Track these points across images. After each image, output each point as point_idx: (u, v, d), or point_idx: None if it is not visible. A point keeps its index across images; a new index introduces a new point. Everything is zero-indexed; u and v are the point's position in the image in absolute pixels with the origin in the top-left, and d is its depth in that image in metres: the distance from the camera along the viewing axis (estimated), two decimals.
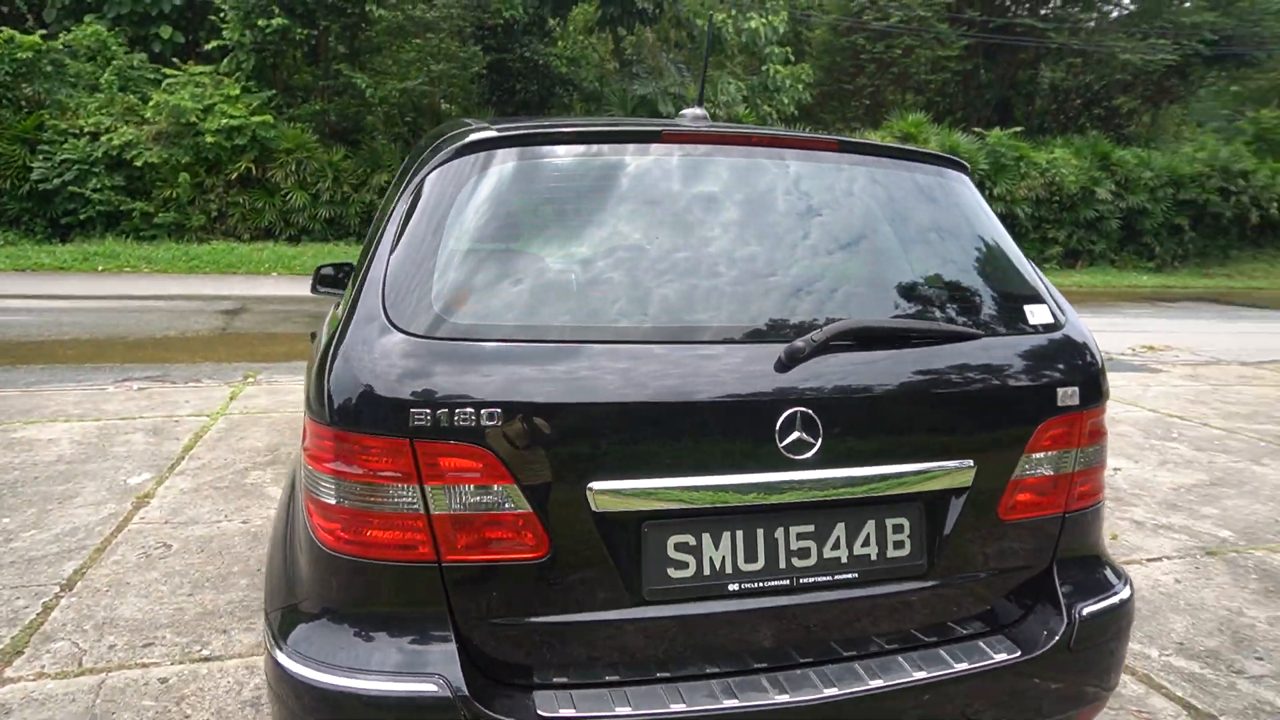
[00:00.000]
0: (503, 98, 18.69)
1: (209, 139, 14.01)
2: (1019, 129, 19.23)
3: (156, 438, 5.13)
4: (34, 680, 2.56)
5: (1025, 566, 1.73)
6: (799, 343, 1.51)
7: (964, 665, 1.59)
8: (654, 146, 1.68)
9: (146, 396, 6.17)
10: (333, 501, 1.44)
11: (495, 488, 1.40)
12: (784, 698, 1.48)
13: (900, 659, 1.60)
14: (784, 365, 1.51)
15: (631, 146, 1.68)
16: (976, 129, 19.12)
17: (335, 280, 3.77)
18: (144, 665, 2.67)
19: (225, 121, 14.13)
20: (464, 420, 1.39)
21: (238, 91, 14.57)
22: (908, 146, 1.94)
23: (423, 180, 1.63)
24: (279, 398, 6.27)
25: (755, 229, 1.67)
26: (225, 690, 2.54)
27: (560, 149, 1.65)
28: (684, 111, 2.04)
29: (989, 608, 1.72)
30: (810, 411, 1.51)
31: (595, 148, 1.67)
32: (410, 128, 16.35)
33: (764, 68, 18.87)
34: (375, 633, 1.42)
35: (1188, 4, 23.58)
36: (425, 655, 1.40)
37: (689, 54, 18.50)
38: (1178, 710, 2.58)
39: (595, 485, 1.43)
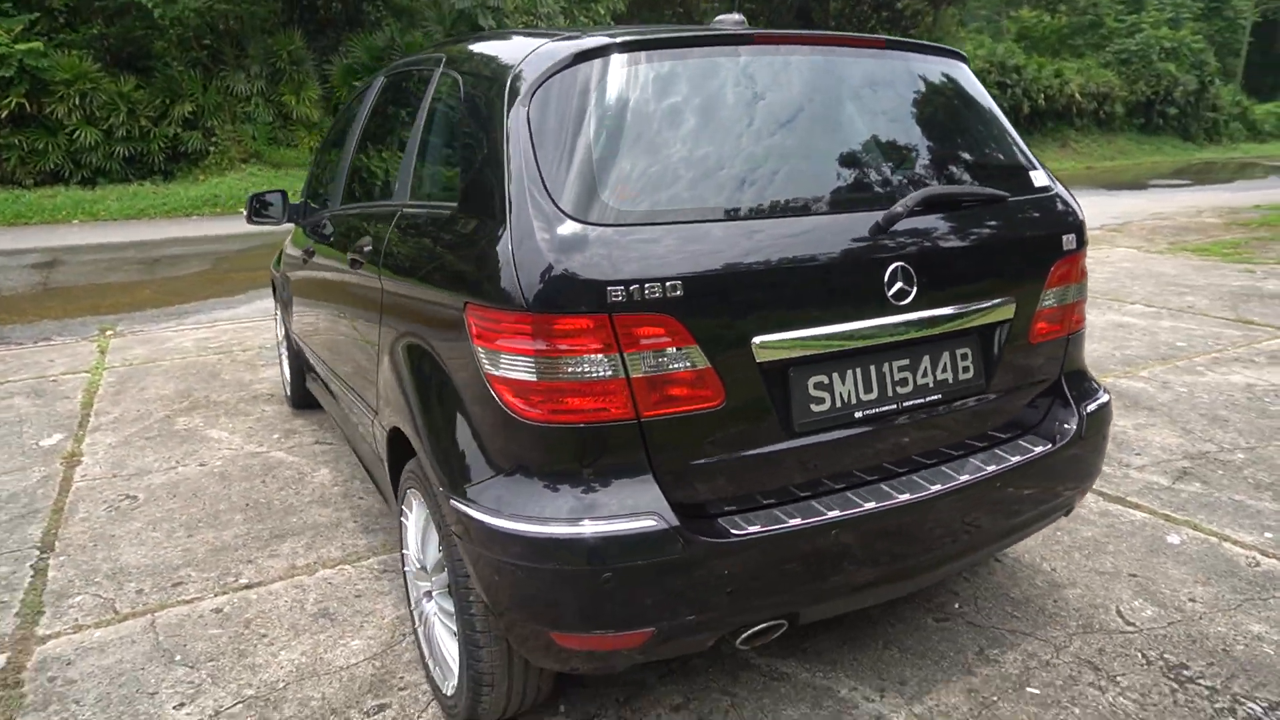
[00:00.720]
0: (305, 15, 17.33)
1: None
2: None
3: (42, 399, 4.75)
4: (76, 632, 2.50)
5: (1044, 379, 2.15)
6: (897, 208, 1.79)
7: (1018, 458, 1.99)
8: (748, 48, 1.87)
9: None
10: (531, 378, 1.58)
11: (681, 349, 1.60)
12: (905, 496, 1.81)
13: (973, 459, 1.98)
14: (882, 228, 1.79)
15: (731, 49, 1.86)
16: None
17: (265, 210, 3.67)
18: (187, 601, 2.65)
19: None
20: (652, 293, 1.57)
21: None
22: (928, 42, 2.21)
23: (539, 87, 1.73)
24: (159, 346, 5.88)
25: (837, 117, 1.92)
26: (288, 608, 2.60)
27: (665, 52, 1.80)
28: (721, 18, 2.18)
29: (1023, 414, 2.13)
30: (907, 265, 1.81)
31: (699, 50, 1.83)
32: (210, 52, 14.89)
33: None
34: (585, 485, 1.61)
35: None
36: (637, 498, 1.60)
37: None
38: (1095, 498, 3.21)
39: (757, 339, 1.67)
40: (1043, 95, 22.77)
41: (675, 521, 1.59)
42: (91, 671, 2.31)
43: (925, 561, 1.90)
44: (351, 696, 2.17)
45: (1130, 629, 2.36)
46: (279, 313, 4.55)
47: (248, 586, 2.73)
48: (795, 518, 1.70)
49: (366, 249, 2.30)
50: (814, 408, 1.75)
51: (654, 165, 1.68)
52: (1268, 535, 2.88)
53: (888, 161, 1.94)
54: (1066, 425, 2.12)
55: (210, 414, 4.44)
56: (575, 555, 1.56)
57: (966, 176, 2.05)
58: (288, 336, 4.21)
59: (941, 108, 2.11)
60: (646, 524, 1.58)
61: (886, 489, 1.83)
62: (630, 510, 1.59)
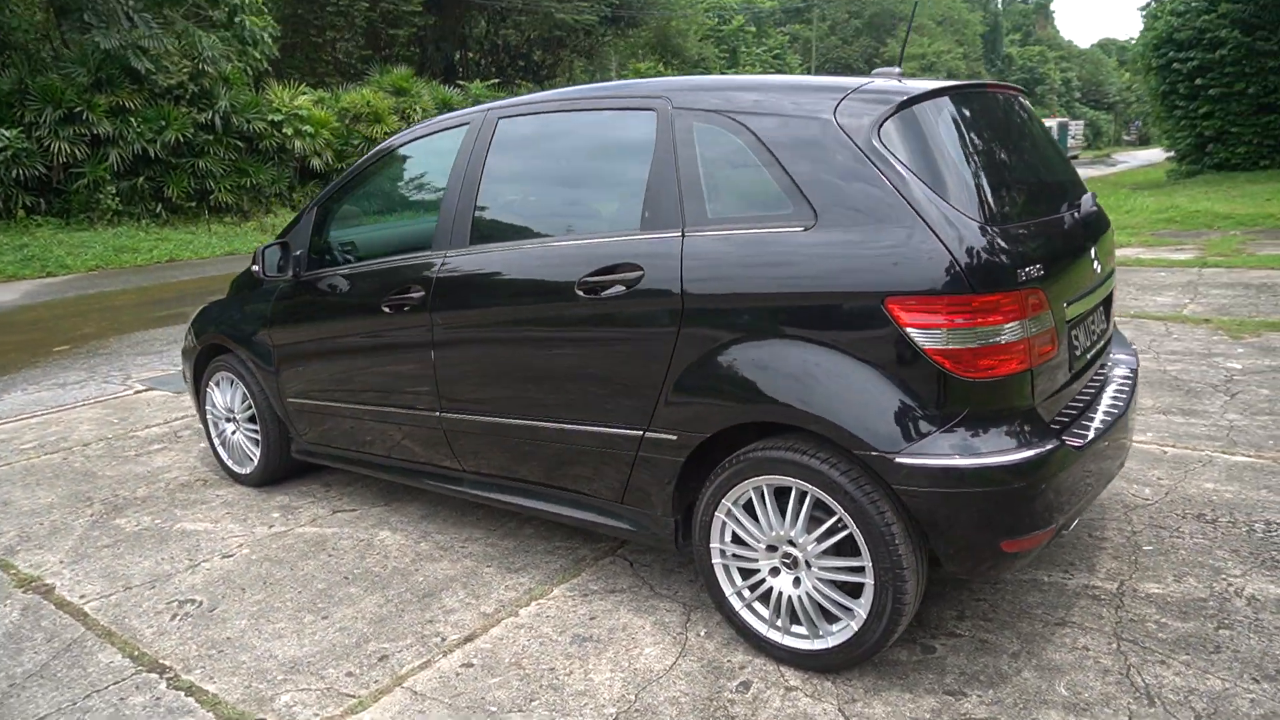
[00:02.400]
0: None
1: None
2: (496, 80, 21.03)
3: None
4: (346, 718, 2.28)
5: (1110, 328, 3.03)
6: (1090, 206, 2.52)
7: (1131, 376, 2.82)
8: (988, 92, 2.50)
9: None
10: (973, 345, 2.01)
11: (1045, 314, 2.15)
12: (1120, 406, 2.52)
13: (1111, 380, 2.76)
14: (1078, 219, 2.50)
15: (983, 93, 2.48)
16: (461, 81, 20.36)
17: (275, 264, 3.51)
18: (421, 667, 2.51)
19: None
20: (1034, 273, 2.09)
21: None
22: (1019, 86, 2.95)
23: (884, 123, 2.17)
24: None
25: (1031, 139, 2.62)
26: (539, 645, 2.58)
27: (958, 95, 2.35)
28: (878, 70, 2.70)
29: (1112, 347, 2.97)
30: (1095, 247, 2.54)
31: (966, 94, 2.40)
32: None
33: (237, 19, 17.30)
34: (1008, 423, 2.07)
35: None
36: (1038, 426, 2.11)
37: (148, 0, 16.03)
38: None
39: (1066, 303, 2.27)
40: None
41: (1061, 442, 2.13)
42: None
43: (1124, 457, 2.64)
44: (708, 687, 2.33)
45: (1151, 503, 3.33)
46: (219, 392, 4.06)
47: (468, 639, 2.64)
48: (1090, 431, 2.33)
49: (631, 276, 2.46)
50: (1076, 352, 2.40)
51: (991, 178, 2.23)
52: (1149, 435, 4.09)
53: (1054, 168, 2.67)
54: (1131, 356, 3.01)
55: (153, 510, 3.83)
56: (1025, 474, 2.04)
57: (1079, 182, 2.84)
58: (265, 408, 3.81)
59: (1045, 134, 2.87)
60: (1051, 444, 2.11)
61: (1106, 408, 2.53)
62: (1039, 435, 2.10)
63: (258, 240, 15.30)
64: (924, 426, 2.07)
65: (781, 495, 2.32)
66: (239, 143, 15.76)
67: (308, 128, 16.66)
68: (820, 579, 2.28)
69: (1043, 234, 2.27)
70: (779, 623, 2.38)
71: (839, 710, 2.21)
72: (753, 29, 36.85)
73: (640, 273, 2.46)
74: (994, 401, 2.09)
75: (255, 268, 3.55)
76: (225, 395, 4.05)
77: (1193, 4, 22.44)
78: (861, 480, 2.14)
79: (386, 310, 3.14)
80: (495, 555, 3.22)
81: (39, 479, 4.33)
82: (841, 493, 2.16)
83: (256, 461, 3.95)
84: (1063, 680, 2.27)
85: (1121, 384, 2.74)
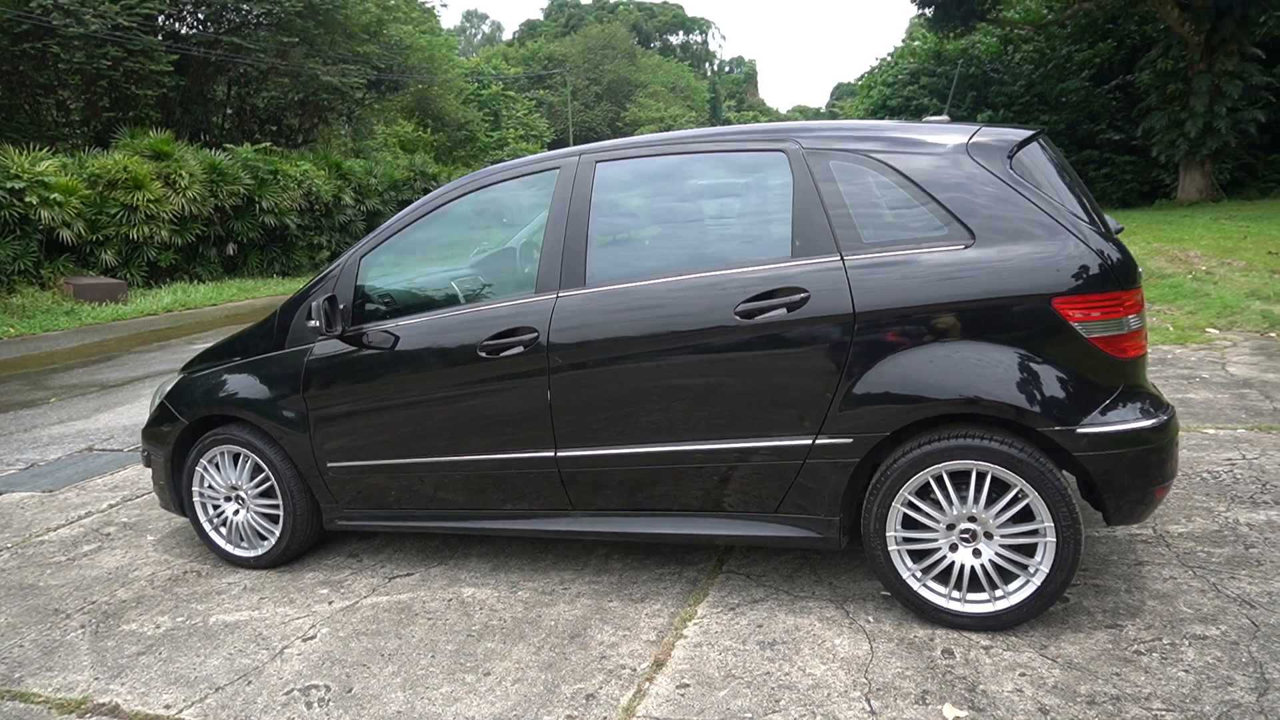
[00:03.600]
0: None
1: None
2: (268, 144, 19.84)
3: None
4: None
5: None
6: (1115, 226, 3.13)
7: None
8: (1039, 140, 3.01)
9: None
10: (1121, 332, 2.48)
11: (1143, 313, 2.68)
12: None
13: None
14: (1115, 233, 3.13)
15: (1045, 135, 2.98)
16: (228, 145, 19.00)
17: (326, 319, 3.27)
18: (641, 694, 2.51)
19: None
20: (1140, 274, 2.64)
21: None
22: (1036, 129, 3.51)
23: (1012, 156, 2.64)
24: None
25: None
26: (734, 658, 2.67)
27: (1039, 139, 2.86)
28: (928, 118, 3.17)
29: None
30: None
31: (1041, 138, 2.90)
32: None
33: None
34: (1144, 396, 2.56)
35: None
36: (1157, 398, 2.61)
37: None
38: None
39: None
40: None
41: (1172, 415, 2.66)
42: None
43: None
44: (919, 659, 2.57)
45: None
46: (215, 470, 3.65)
47: (658, 665, 2.68)
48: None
49: (795, 299, 2.70)
50: None
51: (1085, 200, 2.75)
52: None
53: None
54: None
55: (162, 609, 3.37)
56: (1166, 432, 2.55)
57: None
58: (292, 479, 3.51)
59: None
60: (1170, 409, 2.64)
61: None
62: (1160, 403, 2.64)
63: (4, 324, 13.22)
64: (1094, 401, 2.52)
65: (955, 477, 2.65)
66: None
67: (56, 195, 14.71)
68: (1003, 545, 2.64)
69: (1122, 244, 2.84)
70: (955, 594, 2.70)
71: (1039, 654, 2.55)
72: (512, 93, 37.89)
73: (805, 294, 2.71)
74: (1132, 378, 2.59)
75: (313, 323, 3.29)
76: (227, 472, 3.66)
77: (899, 77, 26.48)
78: (1036, 454, 2.53)
79: (483, 355, 3.10)
80: (605, 590, 3.23)
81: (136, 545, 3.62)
82: (1024, 466, 2.53)
83: (275, 539, 3.61)
84: (1179, 601, 2.78)
85: None
